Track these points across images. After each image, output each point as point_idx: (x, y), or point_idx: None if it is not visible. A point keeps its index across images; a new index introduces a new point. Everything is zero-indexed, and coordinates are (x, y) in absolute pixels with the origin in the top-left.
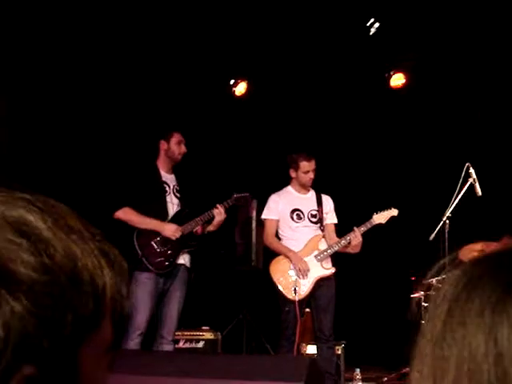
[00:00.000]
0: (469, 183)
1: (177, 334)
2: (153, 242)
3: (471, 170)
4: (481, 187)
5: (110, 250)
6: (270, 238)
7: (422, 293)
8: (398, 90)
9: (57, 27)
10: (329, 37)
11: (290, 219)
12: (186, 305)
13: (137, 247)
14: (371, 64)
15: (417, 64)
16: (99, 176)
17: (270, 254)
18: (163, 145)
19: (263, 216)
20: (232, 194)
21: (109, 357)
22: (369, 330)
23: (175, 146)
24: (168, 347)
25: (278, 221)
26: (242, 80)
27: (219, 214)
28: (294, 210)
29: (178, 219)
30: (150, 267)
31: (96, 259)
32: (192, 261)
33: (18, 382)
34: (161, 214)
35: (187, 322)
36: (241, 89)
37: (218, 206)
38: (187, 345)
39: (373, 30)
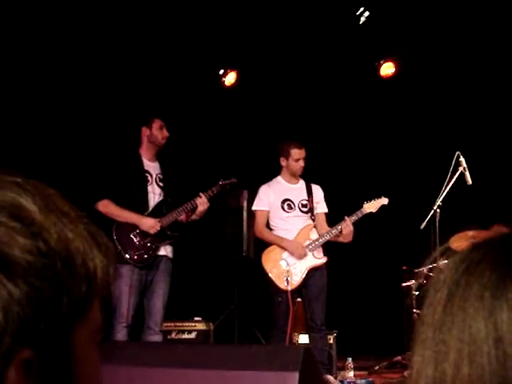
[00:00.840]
0: (459, 172)
1: (169, 325)
2: (132, 235)
3: (461, 159)
4: (471, 176)
5: (97, 232)
6: (261, 229)
7: (413, 281)
8: (387, 79)
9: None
10: (318, 26)
11: (281, 209)
12: (177, 296)
13: (115, 240)
14: (361, 53)
15: (406, 53)
16: (80, 166)
17: (261, 244)
18: (145, 131)
19: (254, 207)
20: (217, 181)
21: (99, 338)
22: (360, 319)
23: (157, 131)
24: (156, 338)
25: (268, 211)
26: (232, 70)
27: (202, 203)
28: (284, 200)
29: (159, 210)
30: (130, 260)
31: (86, 241)
32: (175, 251)
33: (16, 365)
34: (141, 205)
35: (179, 312)
36: (230, 79)
37: (200, 194)
38: (179, 336)
39: (362, 19)
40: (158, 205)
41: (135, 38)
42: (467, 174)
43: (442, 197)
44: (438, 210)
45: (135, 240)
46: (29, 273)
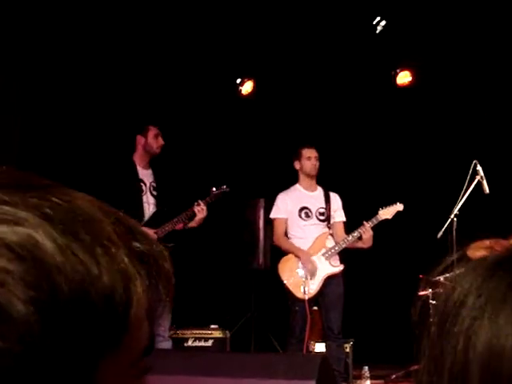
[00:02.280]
0: (476, 180)
1: (185, 332)
2: None
3: (478, 168)
4: (488, 185)
5: (150, 251)
6: (279, 238)
7: (430, 290)
8: (404, 88)
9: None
10: (335, 35)
11: (299, 217)
12: (194, 303)
13: None
14: (378, 62)
15: (423, 62)
16: (78, 176)
17: (278, 254)
18: (140, 139)
19: (272, 215)
20: (210, 190)
21: (141, 364)
22: (377, 328)
23: (152, 139)
24: (166, 344)
25: (286, 219)
26: (249, 79)
27: (201, 211)
28: (302, 209)
29: (154, 220)
30: None
31: (120, 272)
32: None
33: None
34: (136, 216)
35: (196, 320)
36: (247, 88)
37: (199, 202)
38: (196, 343)
39: (379, 28)
40: (154, 215)
41: (152, 46)
42: (484, 182)
43: (459, 206)
44: (455, 219)
45: None
46: (24, 328)
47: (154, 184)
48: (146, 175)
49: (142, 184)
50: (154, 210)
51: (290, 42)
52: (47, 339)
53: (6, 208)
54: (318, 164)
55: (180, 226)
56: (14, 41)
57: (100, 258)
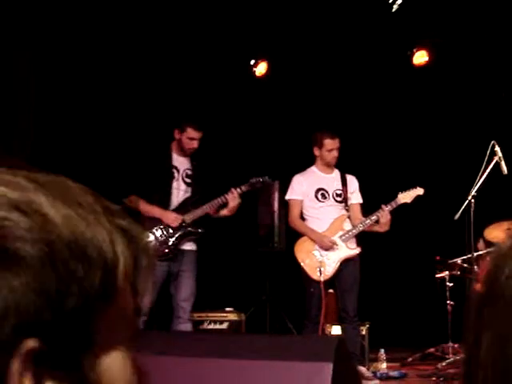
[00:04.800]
0: (494, 161)
1: (201, 315)
2: (154, 229)
3: (497, 148)
4: (507, 165)
5: (130, 227)
6: (294, 219)
7: (447, 272)
8: (421, 68)
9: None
10: (350, 14)
11: (315, 199)
12: (209, 286)
13: None
14: (394, 42)
15: (440, 41)
16: (112, 162)
17: (293, 235)
18: (177, 134)
19: (287, 197)
20: (249, 179)
21: (127, 331)
22: (393, 311)
23: (186, 140)
24: (186, 326)
25: (302, 201)
26: (263, 60)
27: (233, 199)
28: (318, 190)
29: (184, 206)
30: None
31: (107, 234)
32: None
33: (22, 356)
34: (163, 201)
35: (211, 303)
36: (261, 69)
37: (232, 190)
38: (211, 326)
39: (395, 7)
40: (185, 201)
41: (166, 30)
42: (503, 163)
43: (477, 187)
44: (473, 200)
45: (157, 234)
46: (30, 264)
47: (188, 171)
48: (181, 162)
49: (174, 170)
50: (187, 196)
51: (304, 23)
52: (55, 279)
53: (2, 176)
54: (337, 154)
55: (212, 211)
56: (30, 35)
57: (87, 218)
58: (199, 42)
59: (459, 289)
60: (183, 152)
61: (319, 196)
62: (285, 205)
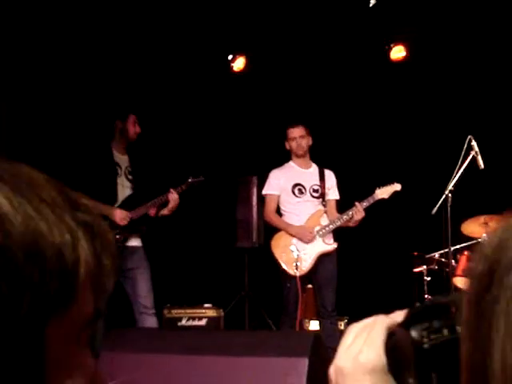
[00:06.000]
0: (471, 156)
1: (179, 311)
2: None
3: (473, 143)
4: (483, 160)
5: (93, 222)
6: (270, 214)
7: (425, 267)
8: (398, 63)
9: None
10: (328, 9)
11: (292, 194)
12: (187, 282)
13: None
14: (371, 37)
15: (417, 36)
16: (53, 158)
17: (271, 231)
18: (118, 124)
19: (264, 191)
20: (187, 179)
21: (88, 331)
22: (371, 305)
23: (130, 124)
24: (151, 320)
25: (278, 196)
26: (241, 55)
27: (173, 199)
28: (295, 185)
29: (128, 203)
30: None
31: (69, 232)
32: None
33: None
34: (109, 197)
35: (189, 299)
36: (239, 64)
37: (171, 190)
38: (190, 322)
39: (372, 2)
40: (129, 198)
41: (140, 23)
42: (479, 158)
43: (454, 181)
44: (450, 195)
45: None
46: None
47: (129, 169)
48: (121, 160)
49: (117, 167)
50: (130, 193)
51: (282, 18)
52: (6, 286)
53: None
54: (304, 142)
55: (153, 211)
56: None
57: (48, 216)
58: (176, 37)
59: (437, 283)
60: (127, 141)
61: (296, 191)
62: (263, 200)
